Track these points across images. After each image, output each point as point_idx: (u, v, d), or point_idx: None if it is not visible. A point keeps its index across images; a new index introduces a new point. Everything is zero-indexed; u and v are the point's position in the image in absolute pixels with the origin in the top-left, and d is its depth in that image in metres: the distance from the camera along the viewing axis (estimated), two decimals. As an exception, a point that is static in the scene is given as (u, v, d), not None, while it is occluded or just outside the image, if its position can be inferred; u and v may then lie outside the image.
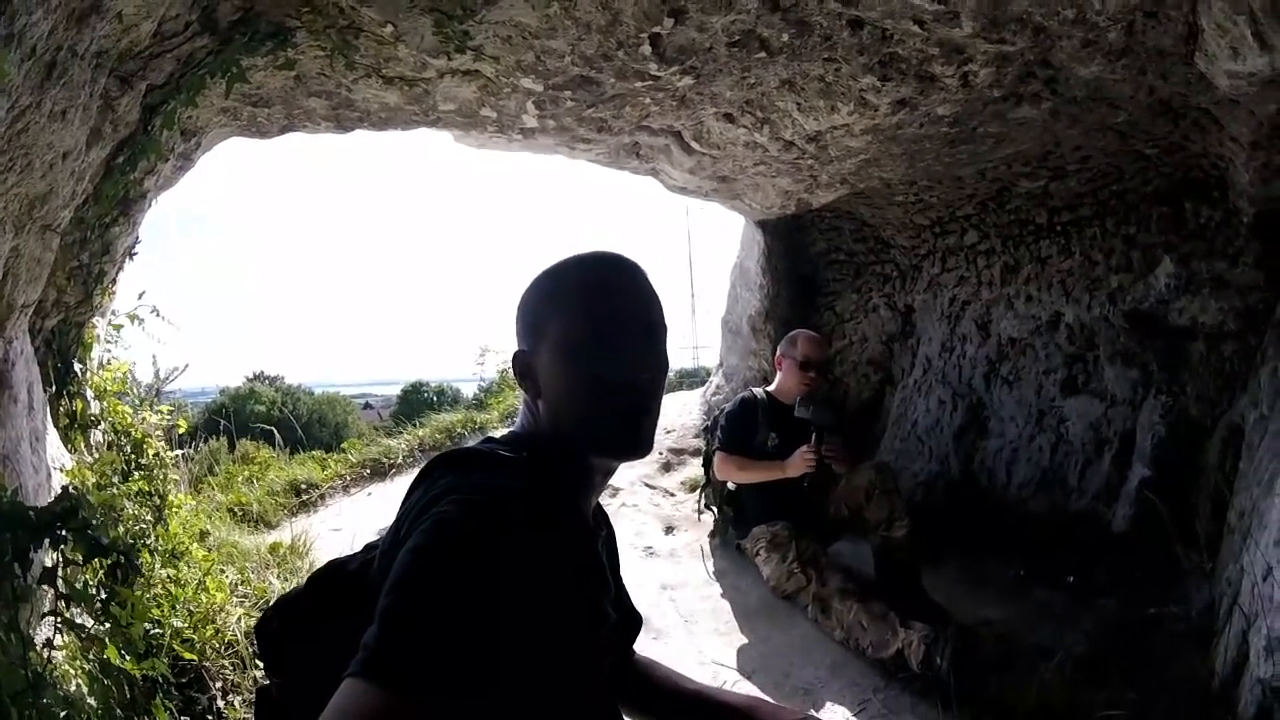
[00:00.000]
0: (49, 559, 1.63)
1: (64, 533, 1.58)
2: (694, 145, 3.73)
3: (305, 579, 1.02)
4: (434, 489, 0.86)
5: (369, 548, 1.00)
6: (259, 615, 1.01)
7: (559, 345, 0.96)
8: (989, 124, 2.90)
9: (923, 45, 2.45)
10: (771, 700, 1.19)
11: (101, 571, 1.83)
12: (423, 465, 0.94)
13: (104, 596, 1.81)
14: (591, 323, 0.95)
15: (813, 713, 1.16)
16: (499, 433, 1.09)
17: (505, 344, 8.53)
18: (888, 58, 2.59)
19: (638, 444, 0.98)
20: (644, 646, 3.20)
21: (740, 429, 3.53)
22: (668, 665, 1.25)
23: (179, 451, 2.99)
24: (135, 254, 2.81)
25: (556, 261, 1.04)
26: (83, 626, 1.75)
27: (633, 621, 1.19)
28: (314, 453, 5.59)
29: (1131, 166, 2.99)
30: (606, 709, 1.03)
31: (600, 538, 1.06)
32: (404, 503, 0.90)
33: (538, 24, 2.53)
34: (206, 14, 2.26)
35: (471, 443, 1.03)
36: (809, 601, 3.08)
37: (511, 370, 1.02)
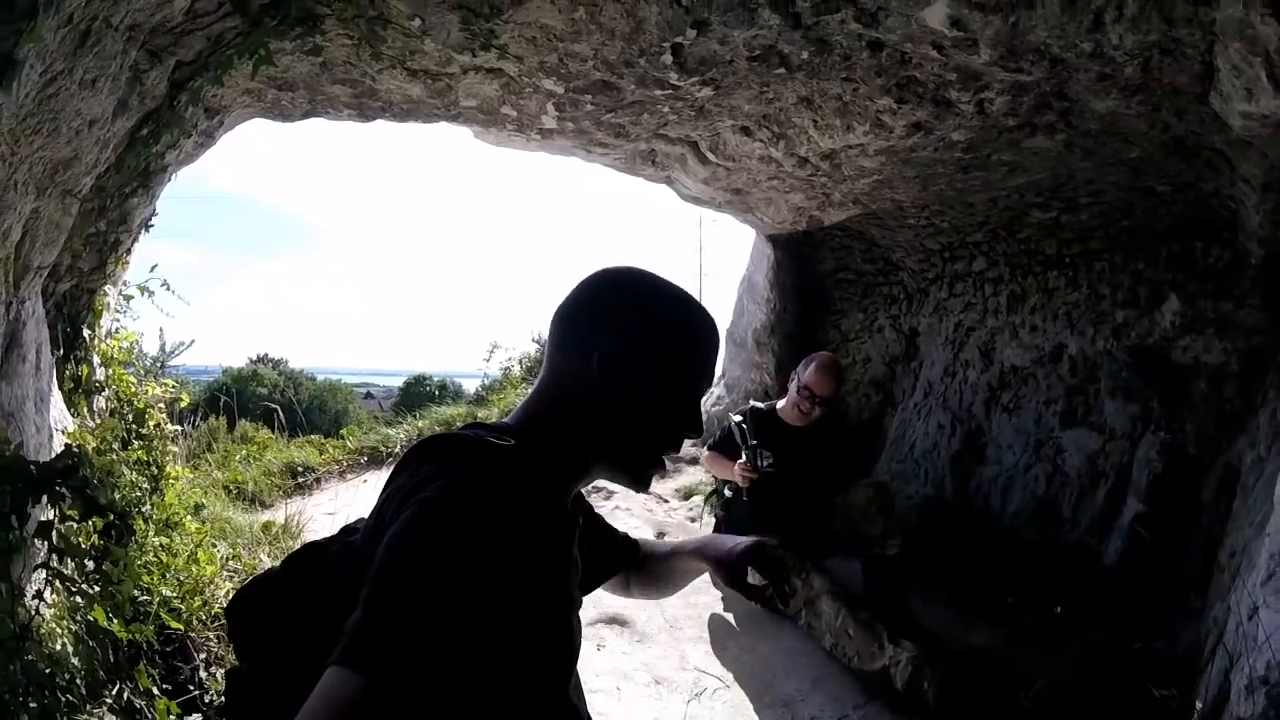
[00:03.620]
0: (46, 515, 1.65)
1: (62, 489, 1.60)
2: (710, 156, 3.75)
3: (280, 561, 1.02)
4: (419, 474, 0.85)
5: (347, 530, 0.99)
6: (231, 596, 1.01)
7: (654, 369, 0.99)
8: (1003, 152, 2.92)
9: (940, 70, 2.47)
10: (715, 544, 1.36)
11: (96, 531, 1.85)
12: (408, 448, 0.94)
13: (97, 554, 1.82)
14: (687, 374, 1.02)
15: (760, 539, 1.27)
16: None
17: (514, 342, 8.52)
18: (905, 80, 2.62)
19: (647, 482, 1.05)
20: (628, 649, 3.20)
21: (727, 441, 3.64)
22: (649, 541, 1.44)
23: (178, 427, 3.01)
24: (151, 226, 2.84)
25: (655, 280, 1.06)
26: (73, 581, 1.77)
27: (629, 547, 1.35)
28: (313, 437, 5.61)
29: (1143, 203, 3.00)
30: (580, 701, 1.04)
31: (578, 522, 1.07)
32: (387, 486, 0.90)
33: (563, 27, 2.57)
34: (239, -6, 2.29)
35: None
36: (799, 608, 3.09)
37: (596, 361, 0.99)
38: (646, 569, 1.39)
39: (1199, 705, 2.13)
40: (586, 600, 1.12)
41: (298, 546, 1.05)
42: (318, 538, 1.04)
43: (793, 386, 3.58)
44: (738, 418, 3.66)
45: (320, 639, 0.72)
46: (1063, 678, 2.50)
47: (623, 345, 0.99)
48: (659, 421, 1.01)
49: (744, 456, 3.42)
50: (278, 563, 1.01)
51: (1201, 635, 2.36)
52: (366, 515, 0.93)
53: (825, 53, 2.53)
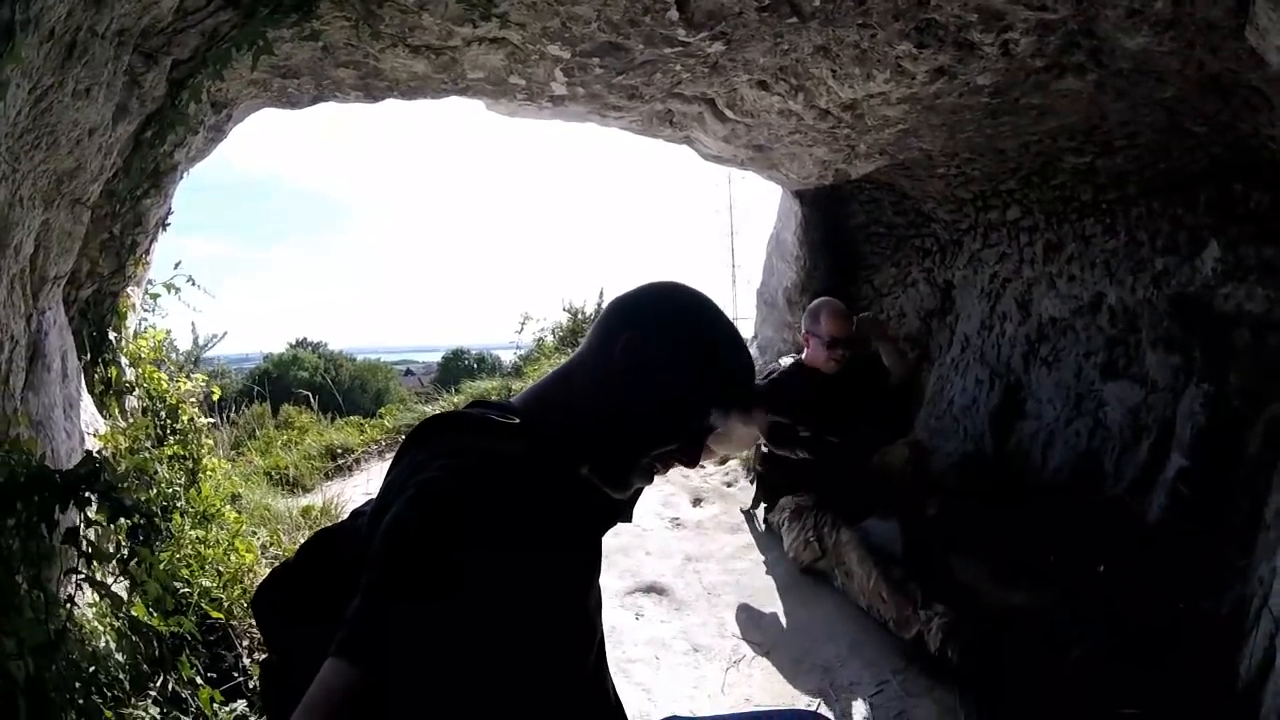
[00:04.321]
0: (75, 520, 1.70)
1: (88, 494, 1.65)
2: (728, 113, 3.64)
3: (297, 549, 1.03)
4: (422, 454, 0.85)
5: (356, 514, 0.99)
6: (255, 590, 1.02)
7: (684, 386, 0.96)
8: (1031, 95, 2.76)
9: (961, 11, 2.32)
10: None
11: (122, 533, 1.91)
12: (413, 428, 0.92)
13: (124, 555, 1.88)
14: (709, 404, 0.98)
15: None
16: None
17: (546, 312, 8.54)
18: (925, 24, 2.48)
19: (626, 489, 1.01)
20: (666, 618, 3.24)
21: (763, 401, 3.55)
22: None
23: (211, 420, 3.08)
24: (168, 224, 2.88)
25: (707, 302, 1.04)
26: (104, 584, 1.83)
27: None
28: (352, 418, 5.73)
29: (1179, 145, 2.82)
30: (602, 676, 1.03)
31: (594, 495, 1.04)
32: (393, 467, 0.89)
33: (561, -10, 2.49)
34: (229, -14, 2.26)
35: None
36: (832, 567, 3.08)
37: (622, 343, 0.98)
38: None
39: (1243, 671, 2.06)
40: (624, 569, 1.12)
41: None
42: (328, 524, 1.04)
43: (815, 343, 3.53)
44: (788, 361, 3.66)
45: (333, 627, 0.71)
46: (1103, 643, 2.44)
47: (654, 336, 0.97)
48: (663, 429, 0.97)
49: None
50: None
51: (1247, 596, 2.28)
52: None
53: (837, -2, 2.41)
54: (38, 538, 1.58)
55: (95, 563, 1.72)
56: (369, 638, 0.69)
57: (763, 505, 3.78)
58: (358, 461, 4.94)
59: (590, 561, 1.02)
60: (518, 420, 0.93)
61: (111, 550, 1.82)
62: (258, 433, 5.34)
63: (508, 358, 9.05)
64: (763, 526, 3.83)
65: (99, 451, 2.01)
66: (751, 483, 4.13)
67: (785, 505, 3.43)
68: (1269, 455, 2.42)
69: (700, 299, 1.03)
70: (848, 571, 2.99)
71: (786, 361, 3.73)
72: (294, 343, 16.36)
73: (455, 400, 5.89)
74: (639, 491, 1.27)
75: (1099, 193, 3.40)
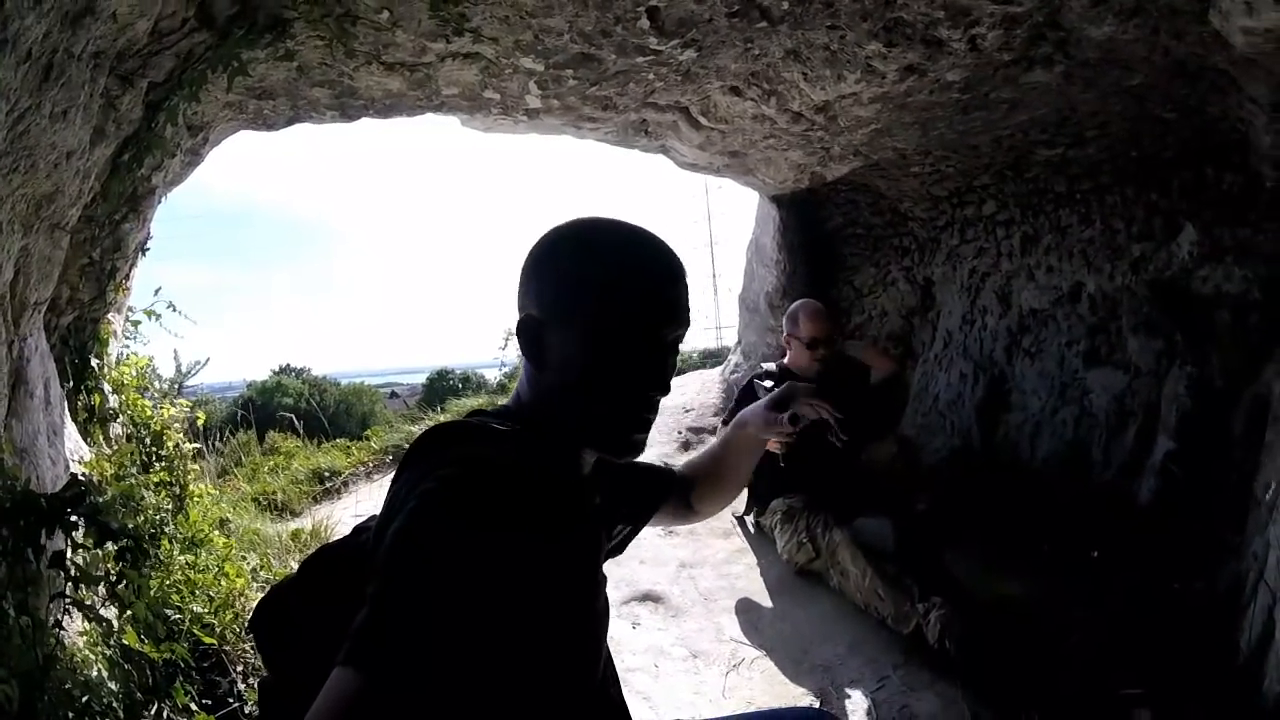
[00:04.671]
0: (60, 545, 1.68)
1: (74, 518, 1.63)
2: (702, 120, 3.68)
3: (298, 566, 1.02)
4: (422, 465, 0.84)
5: (359, 530, 0.98)
6: (253, 609, 1.00)
7: (588, 332, 0.91)
8: (1001, 89, 2.81)
9: (928, 8, 2.37)
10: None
11: (109, 559, 1.88)
12: (414, 440, 0.91)
13: (112, 579, 1.85)
14: (632, 323, 0.91)
15: (790, 383, 1.27)
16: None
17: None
18: (892, 23, 2.52)
19: (631, 450, 0.96)
20: (663, 625, 3.21)
21: (744, 403, 3.58)
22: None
23: (195, 445, 3.04)
24: (148, 249, 2.86)
25: (594, 228, 0.96)
26: (93, 609, 1.80)
27: (666, 475, 1.36)
28: (339, 441, 5.68)
29: (1150, 131, 2.88)
30: (609, 684, 1.02)
31: (597, 495, 1.03)
32: (395, 481, 0.89)
33: (534, 2, 2.51)
34: (203, 9, 2.26)
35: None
36: (827, 567, 3.08)
37: (516, 333, 0.95)
38: (703, 480, 1.40)
39: (1243, 645, 2.08)
40: (619, 579, 1.11)
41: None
42: (330, 540, 1.03)
43: (795, 345, 3.58)
44: (768, 383, 3.66)
45: (337, 642, 0.70)
46: (1101, 625, 2.46)
47: (549, 308, 0.93)
48: (616, 384, 0.92)
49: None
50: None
51: (1242, 572, 2.30)
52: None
53: (806, 0, 2.45)
54: (24, 562, 1.55)
55: (83, 587, 1.69)
56: (376, 646, 0.68)
57: (754, 509, 3.79)
58: (345, 484, 4.90)
59: (594, 566, 1.01)
60: (516, 426, 0.92)
61: (99, 574, 1.79)
62: (244, 460, 5.28)
63: (492, 375, 9.01)
64: (754, 530, 3.83)
65: (80, 475, 1.97)
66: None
67: (776, 508, 3.43)
68: (1255, 433, 2.46)
69: (578, 239, 0.96)
70: (843, 571, 2.99)
71: (769, 366, 3.77)
72: (277, 369, 16.20)
73: (443, 419, 5.83)
74: (632, 531, 1.28)
75: (1073, 183, 3.46)
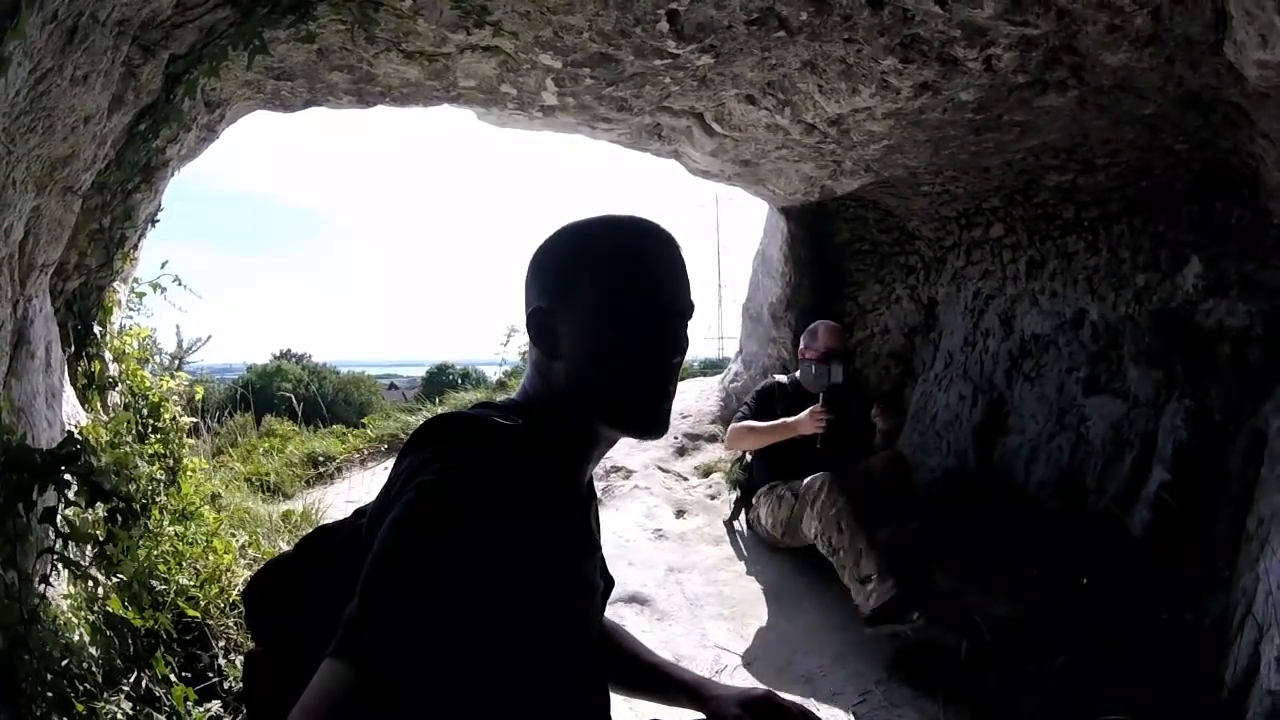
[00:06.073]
0: (53, 502, 1.68)
1: (67, 476, 1.63)
2: (715, 127, 3.69)
3: (294, 544, 1.02)
4: (422, 455, 0.84)
5: (359, 513, 0.98)
6: (247, 580, 1.00)
7: (593, 311, 0.92)
8: (1015, 112, 2.83)
9: (944, 27, 2.39)
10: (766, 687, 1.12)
11: (100, 523, 1.88)
12: (415, 429, 0.91)
13: (101, 539, 1.85)
14: (633, 294, 0.92)
15: (765, 688, 1.10)
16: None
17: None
18: (909, 39, 2.54)
19: (657, 424, 0.96)
20: (648, 627, 3.20)
21: (763, 407, 3.67)
22: (632, 635, 1.25)
23: (193, 420, 3.05)
24: (157, 221, 2.87)
25: (589, 220, 1.00)
26: (79, 565, 1.80)
27: (608, 584, 1.17)
28: (335, 427, 5.68)
29: (1161, 162, 2.90)
30: (596, 680, 1.02)
31: (592, 506, 1.04)
32: (394, 468, 0.88)
33: (555, -1, 2.53)
34: (228, -16, 2.28)
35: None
36: (802, 513, 3.11)
37: (526, 328, 0.97)
38: (624, 669, 1.17)
39: (1228, 678, 2.08)
40: None
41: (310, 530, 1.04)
42: (329, 521, 1.03)
43: (811, 357, 3.61)
44: (783, 378, 3.80)
45: (330, 622, 0.71)
46: (1087, 651, 2.45)
47: (555, 297, 0.95)
48: (632, 359, 0.92)
49: (820, 401, 3.39)
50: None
51: (1231, 605, 2.30)
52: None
53: (825, 13, 2.47)
54: (14, 516, 1.55)
55: (72, 545, 1.69)
56: (366, 638, 0.68)
57: (744, 509, 3.83)
58: (339, 469, 4.89)
59: (589, 560, 1.00)
60: (520, 420, 0.91)
61: (90, 532, 1.79)
62: (239, 440, 5.28)
63: (492, 373, 9.01)
64: (745, 529, 3.85)
65: (77, 434, 1.98)
66: (734, 493, 4.15)
67: (761, 494, 3.51)
68: (1250, 468, 2.46)
69: (575, 231, 0.98)
70: (815, 506, 3.02)
71: (782, 379, 3.83)
72: (278, 354, 16.17)
73: (440, 411, 5.83)
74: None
75: (1081, 210, 3.47)
